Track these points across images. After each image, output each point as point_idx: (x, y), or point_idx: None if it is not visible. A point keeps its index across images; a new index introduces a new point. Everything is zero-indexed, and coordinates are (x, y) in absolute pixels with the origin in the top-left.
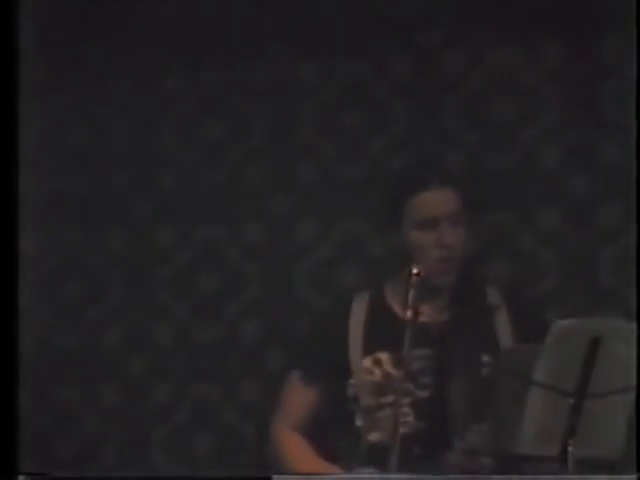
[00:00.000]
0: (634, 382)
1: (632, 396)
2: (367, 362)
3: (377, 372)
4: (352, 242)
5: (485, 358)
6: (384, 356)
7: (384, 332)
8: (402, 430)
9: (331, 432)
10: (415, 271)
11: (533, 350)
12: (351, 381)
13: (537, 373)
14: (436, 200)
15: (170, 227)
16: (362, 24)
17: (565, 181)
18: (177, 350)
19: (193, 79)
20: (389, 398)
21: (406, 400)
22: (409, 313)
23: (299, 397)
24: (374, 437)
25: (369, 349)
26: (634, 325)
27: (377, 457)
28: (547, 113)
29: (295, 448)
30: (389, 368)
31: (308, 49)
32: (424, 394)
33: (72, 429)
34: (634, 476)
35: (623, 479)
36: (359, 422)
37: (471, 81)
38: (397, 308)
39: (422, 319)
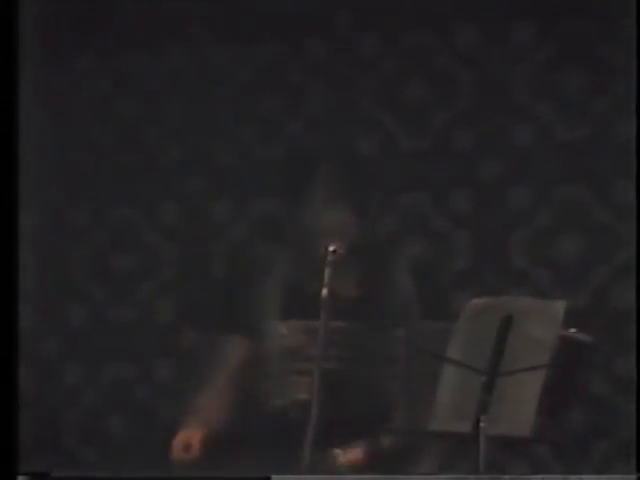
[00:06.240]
0: (544, 360)
1: (542, 374)
2: (281, 327)
3: (290, 339)
4: (267, 222)
5: (397, 332)
6: (298, 324)
7: (298, 299)
8: (304, 398)
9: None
10: (332, 248)
11: (446, 328)
12: (261, 343)
13: (450, 351)
14: (325, 217)
15: (85, 207)
16: (279, 7)
17: (477, 164)
18: (91, 330)
19: (110, 60)
20: (298, 366)
21: (314, 370)
22: (325, 291)
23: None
24: (278, 403)
25: (284, 314)
26: (545, 304)
27: (279, 423)
28: (460, 97)
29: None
30: (301, 336)
31: (226, 32)
32: (335, 366)
33: None
34: (634, 476)
35: (623, 479)
36: (265, 385)
37: (387, 63)
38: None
39: (336, 293)
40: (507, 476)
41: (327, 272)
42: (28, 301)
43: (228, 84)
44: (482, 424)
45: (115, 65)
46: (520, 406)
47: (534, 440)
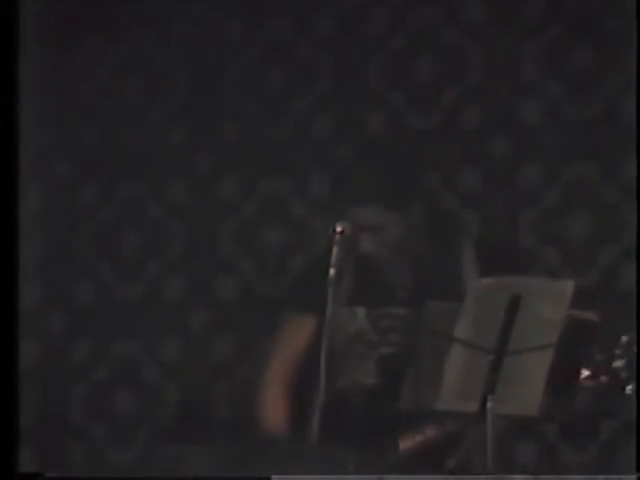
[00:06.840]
0: (552, 340)
1: (550, 354)
2: (345, 312)
3: (351, 325)
4: (275, 201)
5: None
6: (361, 310)
7: (364, 285)
8: (365, 382)
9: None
10: (339, 229)
11: (454, 308)
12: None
13: (458, 330)
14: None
15: (93, 184)
16: None
17: (486, 142)
18: (99, 308)
19: (116, 37)
20: (358, 350)
21: (373, 355)
22: (332, 271)
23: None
24: (341, 383)
25: (348, 300)
26: (553, 284)
27: (341, 404)
28: (469, 74)
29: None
30: (363, 323)
31: (231, 6)
32: (391, 351)
33: None
34: (634, 476)
35: (623, 479)
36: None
37: (394, 41)
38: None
39: (391, 280)
40: (510, 476)
41: (335, 252)
42: (36, 279)
43: (235, 61)
44: (489, 404)
45: (122, 44)
46: (527, 386)
47: (541, 420)
